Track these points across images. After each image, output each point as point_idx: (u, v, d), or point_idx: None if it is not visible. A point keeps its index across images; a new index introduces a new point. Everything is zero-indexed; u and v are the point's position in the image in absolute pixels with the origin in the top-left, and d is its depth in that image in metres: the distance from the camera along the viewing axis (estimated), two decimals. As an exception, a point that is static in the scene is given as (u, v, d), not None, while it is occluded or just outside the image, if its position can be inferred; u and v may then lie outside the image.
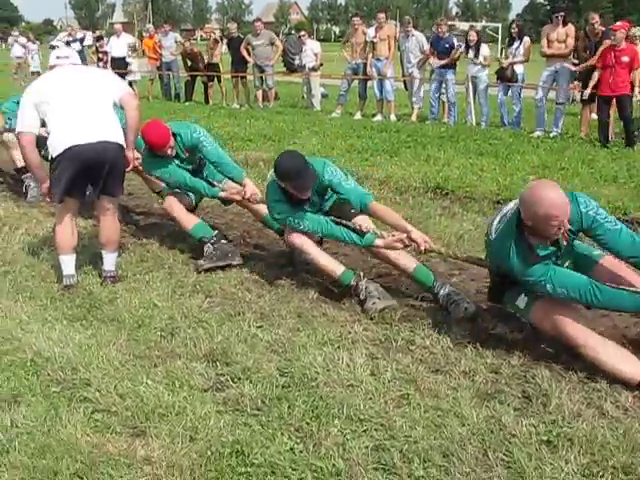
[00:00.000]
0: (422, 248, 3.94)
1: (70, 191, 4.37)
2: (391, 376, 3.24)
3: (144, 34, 18.42)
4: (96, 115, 4.38)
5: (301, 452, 2.67)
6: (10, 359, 3.47)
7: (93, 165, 4.31)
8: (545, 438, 2.73)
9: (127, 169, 4.62)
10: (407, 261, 4.20)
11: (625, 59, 9.07)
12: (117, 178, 4.49)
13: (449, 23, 15.37)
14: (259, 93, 14.84)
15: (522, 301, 3.46)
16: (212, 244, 4.79)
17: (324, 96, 15.56)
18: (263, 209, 4.89)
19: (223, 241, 4.91)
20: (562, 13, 10.43)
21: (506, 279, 3.48)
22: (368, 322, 3.89)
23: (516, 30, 11.15)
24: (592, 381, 3.14)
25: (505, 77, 11.18)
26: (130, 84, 14.60)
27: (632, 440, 2.68)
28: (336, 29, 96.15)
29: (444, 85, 12.00)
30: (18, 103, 6.79)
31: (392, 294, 4.15)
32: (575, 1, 54.42)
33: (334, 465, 2.58)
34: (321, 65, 14.69)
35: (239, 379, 3.23)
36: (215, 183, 5.05)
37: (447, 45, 11.79)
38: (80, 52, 15.96)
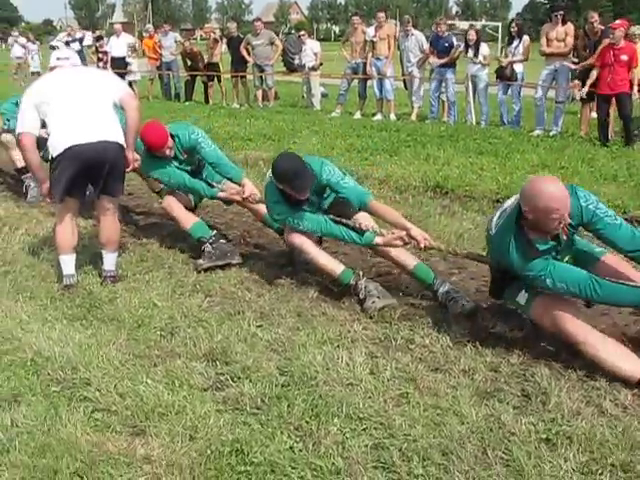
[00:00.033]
0: (422, 245, 3.95)
1: (70, 191, 4.37)
2: (390, 375, 3.24)
3: (144, 34, 18.41)
4: (96, 115, 4.38)
5: (301, 451, 2.67)
6: (10, 359, 3.48)
7: (93, 165, 4.32)
8: (544, 436, 2.73)
9: (127, 170, 4.62)
10: (407, 258, 4.21)
11: (624, 57, 9.06)
12: (117, 178, 4.50)
13: (449, 22, 15.40)
14: (259, 93, 14.84)
15: (522, 297, 3.47)
16: (211, 244, 4.80)
17: (324, 95, 15.56)
18: (263, 208, 4.89)
19: (222, 241, 4.92)
20: (561, 12, 10.44)
21: (507, 275, 3.48)
22: (368, 321, 3.89)
23: (515, 29, 11.15)
24: (591, 379, 3.14)
25: (505, 76, 11.18)
26: (130, 84, 14.63)
27: (631, 438, 2.68)
28: (336, 28, 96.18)
29: (444, 84, 12.01)
30: (17, 104, 6.82)
31: (392, 293, 4.15)
32: (575, 0, 54.40)
33: (333, 464, 2.58)
34: (321, 65, 14.69)
35: (239, 378, 3.24)
36: (214, 184, 5.05)
37: (446, 44, 11.80)
38: (79, 52, 15.98)
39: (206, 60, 15.58)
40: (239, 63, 14.73)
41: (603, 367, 3.14)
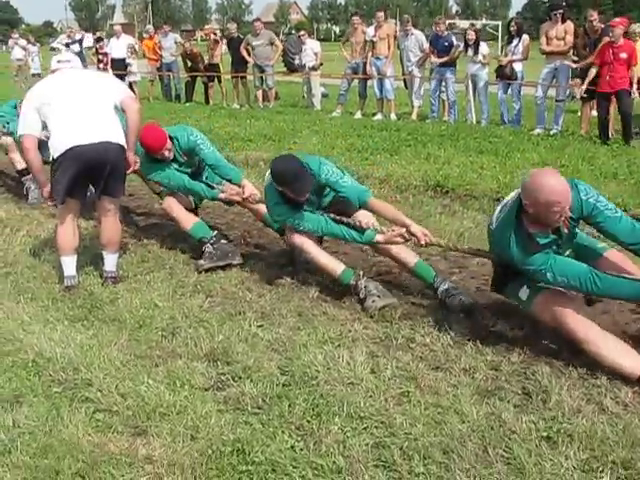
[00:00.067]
0: (422, 242, 3.96)
1: (71, 191, 4.38)
2: (391, 374, 3.25)
3: (144, 35, 18.42)
4: (97, 116, 4.40)
5: (302, 450, 2.68)
6: (12, 360, 3.49)
7: (94, 165, 4.33)
8: (545, 434, 2.73)
9: (127, 172, 4.63)
10: (408, 256, 4.22)
11: (623, 55, 9.05)
12: (118, 179, 4.51)
13: (449, 22, 15.39)
14: (259, 93, 14.84)
15: (524, 293, 3.47)
16: (212, 244, 4.82)
17: (324, 96, 15.56)
18: (263, 209, 4.90)
19: (223, 241, 4.94)
20: (561, 10, 10.44)
21: (509, 269, 3.48)
22: (368, 320, 3.90)
23: (515, 28, 11.15)
24: (592, 377, 3.14)
25: (504, 75, 11.17)
26: (130, 85, 14.66)
27: (632, 435, 2.68)
28: (336, 28, 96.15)
29: (444, 84, 12.01)
30: (15, 107, 6.86)
31: (392, 292, 4.16)
32: (575, -2, 54.35)
33: (334, 462, 2.59)
34: (321, 65, 14.69)
35: (240, 378, 3.24)
36: (214, 185, 5.06)
37: (446, 43, 11.80)
38: (79, 53, 15.99)
39: (207, 61, 15.60)
40: (239, 64, 14.73)
41: (604, 363, 3.14)
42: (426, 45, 12.21)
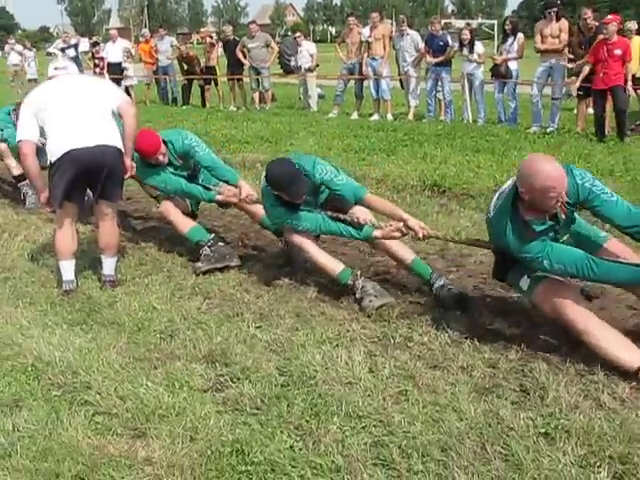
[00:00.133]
0: (420, 235, 3.97)
1: (69, 195, 4.39)
2: (389, 373, 3.25)
3: (140, 39, 18.44)
4: (94, 120, 4.41)
5: (300, 449, 2.69)
6: (11, 364, 3.49)
7: (92, 169, 4.34)
8: (543, 430, 2.74)
9: (125, 177, 4.64)
10: (405, 253, 4.24)
11: (617, 52, 9.05)
12: (115, 183, 4.52)
13: (445, 21, 15.41)
14: (256, 95, 14.86)
15: (525, 283, 3.46)
16: (209, 247, 4.83)
17: (321, 97, 15.58)
18: (259, 211, 4.93)
19: (220, 243, 4.94)
20: (555, 8, 10.46)
21: (508, 257, 3.48)
22: (366, 320, 3.91)
23: (510, 27, 11.18)
24: (589, 373, 3.15)
25: (499, 74, 11.19)
26: (127, 89, 14.67)
27: (629, 430, 2.69)
28: (332, 30, 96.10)
29: (440, 83, 12.03)
30: (9, 114, 6.88)
31: (389, 292, 4.17)
32: (570, -4, 54.38)
33: (333, 462, 2.60)
34: (317, 66, 14.71)
35: (238, 379, 3.25)
36: (211, 187, 5.07)
37: (441, 43, 11.82)
38: (75, 58, 15.99)
39: (203, 64, 15.61)
40: (235, 66, 14.75)
41: (602, 355, 3.14)
42: (421, 45, 12.23)
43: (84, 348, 3.63)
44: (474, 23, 41.43)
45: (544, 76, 10.67)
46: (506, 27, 11.34)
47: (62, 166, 4.29)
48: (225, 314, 4.07)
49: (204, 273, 4.70)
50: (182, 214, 5.05)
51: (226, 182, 4.99)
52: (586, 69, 9.40)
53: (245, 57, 14.43)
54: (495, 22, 40.73)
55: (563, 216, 3.33)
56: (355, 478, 2.53)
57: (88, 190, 4.63)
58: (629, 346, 3.16)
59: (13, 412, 3.05)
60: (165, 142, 4.90)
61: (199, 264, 4.77)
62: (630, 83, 9.38)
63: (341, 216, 4.21)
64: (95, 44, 17.65)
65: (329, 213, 4.22)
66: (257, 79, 14.59)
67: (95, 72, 16.07)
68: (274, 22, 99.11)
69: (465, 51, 11.53)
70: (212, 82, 15.58)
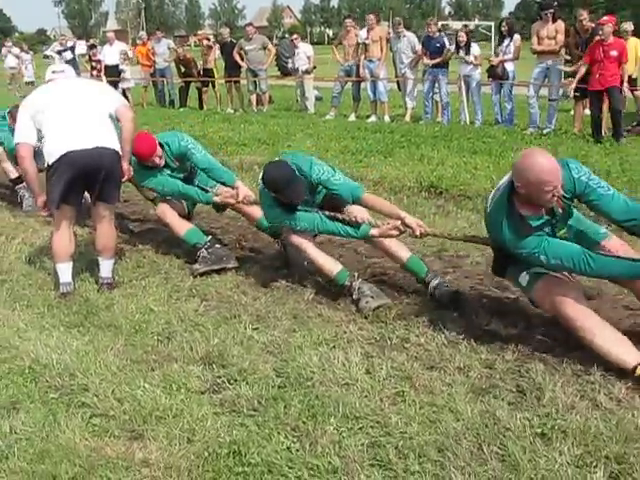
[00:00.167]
0: (417, 232, 3.98)
1: (67, 197, 4.40)
2: (386, 374, 3.26)
3: (137, 41, 18.44)
4: (92, 122, 4.42)
5: (297, 451, 2.69)
6: (8, 367, 3.50)
7: (89, 171, 4.35)
8: (539, 431, 2.75)
9: (122, 180, 4.65)
10: (401, 250, 4.26)
11: (613, 53, 9.07)
12: (113, 185, 4.52)
13: (442, 23, 15.42)
14: (253, 97, 14.86)
15: (524, 279, 3.46)
16: (206, 249, 4.83)
17: (318, 99, 15.59)
18: (256, 213, 4.94)
19: (217, 245, 4.95)
20: (551, 10, 10.47)
21: (507, 252, 3.47)
22: (363, 321, 3.91)
23: (506, 28, 11.20)
24: (586, 374, 3.16)
25: (496, 75, 11.21)
26: (124, 92, 14.67)
27: (625, 430, 2.70)
28: (329, 32, 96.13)
29: (437, 85, 12.05)
30: (4, 117, 6.89)
31: (386, 293, 4.18)
32: (567, -3, 54.45)
33: (330, 463, 2.60)
34: (314, 68, 14.72)
35: (235, 381, 3.26)
36: (208, 189, 5.08)
37: (438, 45, 11.84)
38: (72, 60, 16.02)
39: (200, 66, 15.62)
40: (233, 68, 14.75)
41: (599, 353, 3.14)
42: (418, 47, 12.24)
43: (81, 350, 3.64)
44: (471, 25, 41.47)
45: (541, 77, 10.69)
46: (502, 28, 11.36)
47: (60, 168, 4.30)
48: (222, 316, 4.07)
49: (201, 275, 4.71)
50: (179, 216, 5.06)
51: (223, 184, 5.00)
52: (582, 70, 9.42)
53: (242, 59, 14.43)
54: (492, 24, 40.79)
55: (560, 210, 3.32)
56: (352, 479, 2.53)
57: (86, 193, 4.63)
58: (627, 345, 3.16)
59: (10, 414, 3.05)
60: (161, 144, 4.91)
61: (196, 266, 4.78)
62: (626, 84, 9.41)
63: (338, 215, 4.23)
64: (92, 47, 17.64)
65: (326, 212, 4.24)
66: (254, 81, 14.60)
67: (92, 75, 16.07)
68: (271, 24, 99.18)
69: (461, 53, 11.55)
70: (209, 84, 15.58)
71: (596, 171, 7.23)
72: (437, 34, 12.07)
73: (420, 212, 6.18)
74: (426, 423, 2.85)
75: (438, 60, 11.79)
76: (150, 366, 3.46)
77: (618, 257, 3.19)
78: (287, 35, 35.09)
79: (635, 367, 3.06)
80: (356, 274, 4.25)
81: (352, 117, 13.04)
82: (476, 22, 53.61)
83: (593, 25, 10.06)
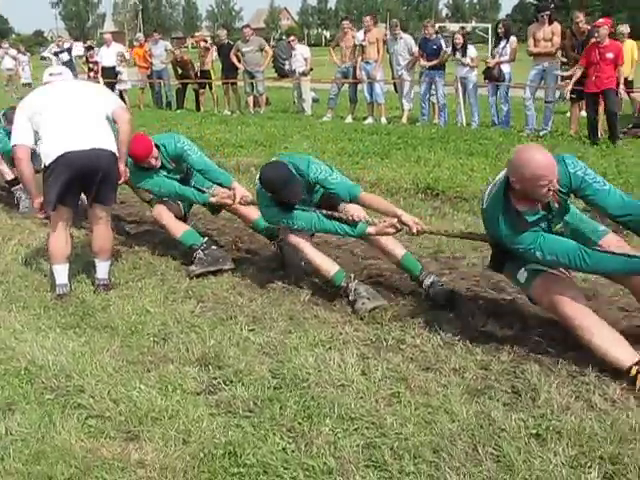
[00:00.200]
0: (414, 230, 3.99)
1: (63, 198, 4.40)
2: (382, 375, 3.27)
3: (135, 43, 18.45)
4: (89, 124, 4.43)
5: (293, 452, 2.70)
6: (4, 368, 3.50)
7: (86, 172, 4.35)
8: (534, 432, 2.75)
9: (119, 182, 4.65)
10: (396, 248, 4.27)
11: (609, 55, 9.08)
12: (110, 186, 4.53)
13: (439, 25, 15.43)
14: (250, 99, 14.86)
15: (522, 276, 3.46)
16: (203, 250, 4.84)
17: (315, 100, 15.59)
18: (252, 214, 4.95)
19: (214, 247, 4.95)
20: (548, 12, 10.49)
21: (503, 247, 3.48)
22: (359, 323, 3.92)
23: (502, 30, 11.21)
24: (581, 375, 3.17)
25: (492, 77, 11.22)
26: (121, 93, 14.67)
27: (619, 431, 2.71)
28: (327, 33, 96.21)
29: (433, 87, 12.06)
30: (-1, 119, 6.88)
31: (382, 295, 4.18)
32: (564, -1, 54.53)
33: (325, 463, 2.61)
34: (311, 70, 14.73)
35: (231, 382, 3.26)
36: (205, 189, 5.09)
37: (435, 46, 11.86)
38: (69, 62, 16.01)
39: (197, 68, 15.63)
40: (230, 70, 14.75)
41: (596, 352, 3.15)
42: (415, 49, 12.26)
43: (77, 352, 3.64)
44: (468, 27, 41.60)
45: (537, 79, 10.71)
46: (499, 30, 11.36)
47: (57, 169, 4.30)
48: (218, 317, 4.08)
49: (197, 276, 4.71)
50: (175, 218, 5.06)
51: (220, 185, 5.01)
52: (578, 72, 9.44)
53: (239, 61, 14.43)
54: (489, 26, 40.88)
55: (556, 205, 3.31)
56: (347, 480, 2.54)
57: (82, 194, 4.63)
58: (624, 345, 3.17)
59: (6, 416, 3.05)
60: (157, 146, 4.92)
61: (192, 267, 4.78)
62: (622, 86, 9.43)
63: (335, 214, 4.24)
64: (89, 48, 17.66)
65: (323, 211, 4.25)
66: (251, 83, 14.61)
67: (89, 76, 16.07)
68: (268, 26, 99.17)
69: (458, 55, 11.57)
70: (206, 86, 15.59)
71: (592, 173, 7.32)
72: (434, 36, 12.09)
73: (416, 214, 6.12)
74: (421, 424, 2.85)
75: (435, 62, 11.81)
76: (146, 367, 3.46)
77: (613, 253, 3.20)
78: (284, 37, 35.17)
79: (630, 367, 3.07)
80: (352, 275, 4.26)
81: (349, 119, 13.05)
82: (473, 24, 53.77)
83: (589, 27, 10.09)
